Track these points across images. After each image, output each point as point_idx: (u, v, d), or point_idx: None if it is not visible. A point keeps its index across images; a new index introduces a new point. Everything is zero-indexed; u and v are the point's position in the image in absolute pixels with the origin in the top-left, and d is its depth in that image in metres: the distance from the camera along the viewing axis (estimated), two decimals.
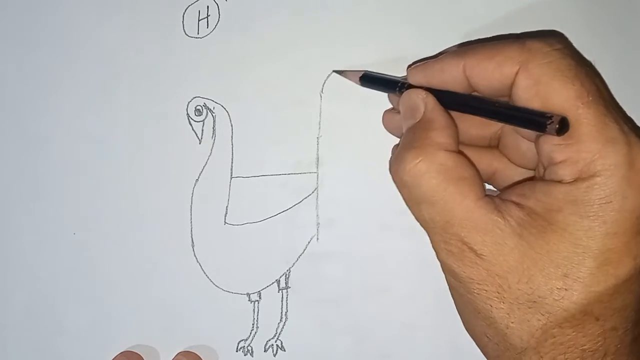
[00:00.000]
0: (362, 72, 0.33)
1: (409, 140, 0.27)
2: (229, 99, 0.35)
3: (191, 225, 0.36)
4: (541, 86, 0.25)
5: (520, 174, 0.30)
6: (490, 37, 0.33)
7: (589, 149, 0.24)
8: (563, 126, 0.24)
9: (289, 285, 0.35)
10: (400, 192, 0.28)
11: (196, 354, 0.35)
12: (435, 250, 0.27)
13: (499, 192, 0.28)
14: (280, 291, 0.35)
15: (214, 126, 0.36)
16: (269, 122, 0.35)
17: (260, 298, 0.35)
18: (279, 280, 0.35)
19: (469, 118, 0.29)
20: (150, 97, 0.36)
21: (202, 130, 0.36)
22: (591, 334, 0.24)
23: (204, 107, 0.36)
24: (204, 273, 0.35)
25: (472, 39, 0.33)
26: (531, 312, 0.25)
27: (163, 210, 0.36)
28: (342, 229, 0.34)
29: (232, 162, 0.35)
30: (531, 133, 0.27)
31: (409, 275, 0.34)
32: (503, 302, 0.25)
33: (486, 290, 0.25)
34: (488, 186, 0.31)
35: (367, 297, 0.34)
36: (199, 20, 0.36)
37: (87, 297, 0.36)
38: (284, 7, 0.35)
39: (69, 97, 0.37)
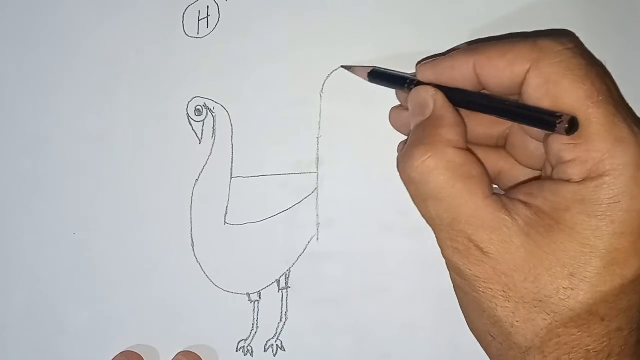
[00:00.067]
0: (371, 68, 0.32)
1: (418, 137, 0.27)
2: (229, 99, 0.35)
3: (191, 225, 0.35)
4: (552, 85, 0.25)
5: (526, 174, 0.30)
6: (490, 37, 0.32)
7: (598, 148, 0.24)
8: (572, 126, 0.24)
9: (289, 285, 0.35)
10: (408, 189, 0.27)
11: (196, 354, 0.34)
12: (440, 248, 0.27)
13: (504, 192, 0.28)
14: (280, 291, 0.35)
15: (214, 126, 0.36)
16: (269, 122, 0.35)
17: (260, 298, 0.35)
18: (279, 280, 0.35)
19: (477, 117, 0.29)
20: (150, 97, 0.36)
21: (202, 130, 0.36)
22: (596, 334, 0.24)
23: (204, 107, 0.36)
24: (204, 273, 0.35)
25: (473, 39, 0.32)
26: (536, 312, 0.24)
27: (163, 210, 0.35)
28: (342, 229, 0.34)
29: (232, 162, 0.35)
30: (540, 132, 0.26)
31: (409, 275, 0.33)
32: (508, 301, 0.25)
33: (491, 289, 0.25)
34: (493, 186, 0.31)
35: (367, 297, 0.34)
36: (199, 20, 0.36)
37: (87, 297, 0.36)
38: (284, 7, 0.35)
39: (69, 97, 0.37)
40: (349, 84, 0.34)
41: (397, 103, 0.33)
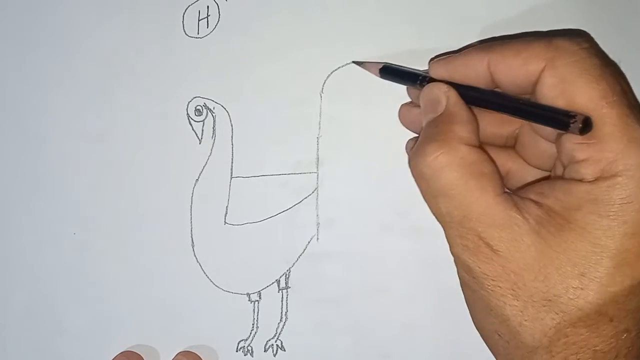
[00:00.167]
0: (383, 64, 0.32)
1: (430, 133, 0.27)
2: (229, 99, 0.35)
3: (191, 225, 0.35)
4: (566, 84, 0.24)
5: (534, 174, 0.29)
6: (490, 38, 0.32)
7: (611, 148, 0.24)
8: (586, 125, 0.24)
9: (289, 285, 0.34)
10: (418, 185, 0.27)
11: (196, 354, 0.34)
12: (449, 245, 0.27)
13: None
14: (280, 291, 0.35)
15: (214, 126, 0.35)
16: (269, 122, 0.35)
17: (260, 298, 0.35)
18: (279, 280, 0.35)
19: (487, 116, 0.28)
20: (150, 97, 0.36)
21: (202, 130, 0.35)
22: (604, 335, 0.24)
23: (204, 107, 0.35)
24: (204, 273, 0.35)
25: (473, 40, 0.32)
26: (545, 311, 0.24)
27: (163, 210, 0.35)
28: (342, 229, 0.34)
29: (232, 162, 0.35)
30: (550, 132, 0.26)
31: (409, 275, 0.33)
32: (517, 300, 0.25)
33: (500, 287, 0.25)
34: None
35: (367, 297, 0.33)
36: (199, 20, 0.36)
37: (87, 297, 0.36)
38: (284, 7, 0.35)
39: (68, 97, 0.36)
40: (349, 84, 0.34)
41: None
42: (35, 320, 0.36)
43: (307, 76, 0.34)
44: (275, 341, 0.34)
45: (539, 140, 0.28)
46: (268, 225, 0.34)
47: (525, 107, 0.26)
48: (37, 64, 0.37)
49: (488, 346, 0.27)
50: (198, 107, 0.35)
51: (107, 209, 0.36)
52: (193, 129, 0.35)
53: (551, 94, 0.25)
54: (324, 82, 0.34)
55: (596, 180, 0.24)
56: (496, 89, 0.28)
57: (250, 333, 0.34)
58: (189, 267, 0.35)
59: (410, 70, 0.31)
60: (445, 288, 0.32)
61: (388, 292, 0.33)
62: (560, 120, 0.24)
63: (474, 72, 0.27)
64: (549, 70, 0.25)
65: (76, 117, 0.36)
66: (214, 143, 0.35)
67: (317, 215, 0.34)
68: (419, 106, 0.30)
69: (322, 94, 0.34)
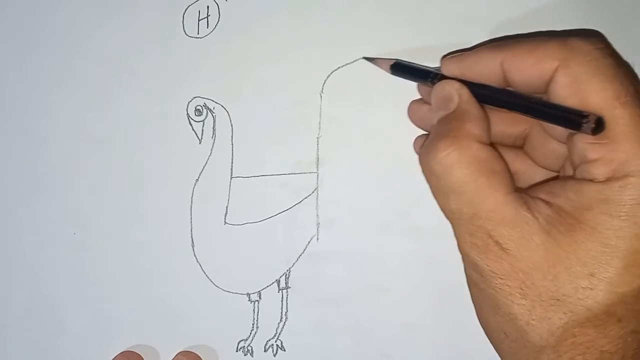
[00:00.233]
0: (394, 61, 0.32)
1: (442, 130, 0.27)
2: (229, 99, 0.35)
3: (191, 225, 0.35)
4: (580, 84, 0.24)
5: (542, 175, 0.29)
6: (490, 39, 0.32)
7: (623, 148, 0.23)
8: (599, 125, 0.23)
9: (289, 285, 0.34)
10: (428, 181, 0.27)
11: (196, 354, 0.34)
12: (458, 242, 0.26)
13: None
14: (280, 291, 0.34)
15: (214, 126, 0.35)
16: (269, 122, 0.34)
17: (260, 298, 0.35)
18: (279, 280, 0.34)
19: (496, 115, 0.28)
20: (150, 97, 0.35)
21: (202, 130, 0.35)
22: (612, 336, 0.24)
23: (204, 107, 0.35)
24: (204, 273, 0.35)
25: (473, 40, 0.32)
26: (553, 310, 0.24)
27: (163, 210, 0.35)
28: (342, 229, 0.34)
29: (232, 162, 0.35)
30: (561, 132, 0.26)
31: (409, 275, 0.33)
32: (525, 299, 0.24)
33: (509, 286, 0.25)
34: None
35: (367, 297, 0.33)
36: (199, 20, 0.36)
37: (87, 297, 0.35)
38: (284, 7, 0.34)
39: (69, 96, 0.36)
40: (349, 84, 0.34)
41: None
42: (35, 320, 0.36)
43: (307, 76, 0.34)
44: (275, 341, 0.34)
45: (549, 140, 0.28)
46: (268, 225, 0.34)
47: (537, 106, 0.26)
48: (37, 64, 0.37)
49: (493, 345, 0.27)
50: (198, 107, 0.35)
51: (107, 209, 0.36)
52: (193, 129, 0.35)
53: (564, 93, 0.25)
54: (324, 82, 0.34)
55: (608, 180, 0.24)
56: (508, 88, 0.28)
57: (250, 333, 0.34)
58: (189, 267, 0.35)
59: (422, 67, 0.31)
60: (445, 288, 0.32)
61: (388, 292, 0.33)
62: (572, 119, 0.24)
63: (487, 70, 0.27)
64: (563, 69, 0.25)
65: (76, 117, 0.36)
66: (214, 143, 0.35)
67: (317, 215, 0.34)
68: (428, 103, 0.29)
69: (322, 94, 0.34)
